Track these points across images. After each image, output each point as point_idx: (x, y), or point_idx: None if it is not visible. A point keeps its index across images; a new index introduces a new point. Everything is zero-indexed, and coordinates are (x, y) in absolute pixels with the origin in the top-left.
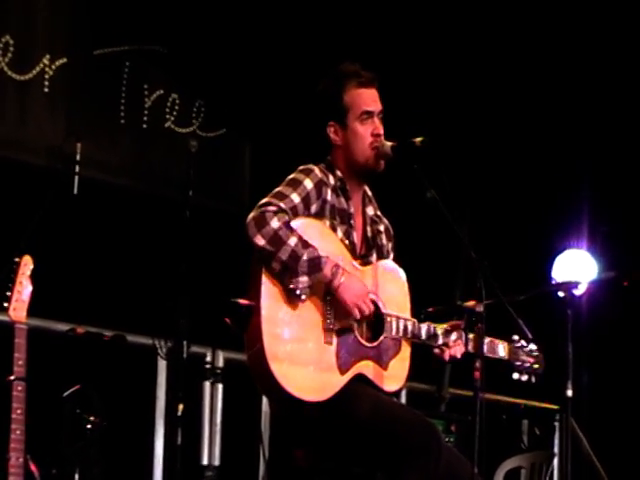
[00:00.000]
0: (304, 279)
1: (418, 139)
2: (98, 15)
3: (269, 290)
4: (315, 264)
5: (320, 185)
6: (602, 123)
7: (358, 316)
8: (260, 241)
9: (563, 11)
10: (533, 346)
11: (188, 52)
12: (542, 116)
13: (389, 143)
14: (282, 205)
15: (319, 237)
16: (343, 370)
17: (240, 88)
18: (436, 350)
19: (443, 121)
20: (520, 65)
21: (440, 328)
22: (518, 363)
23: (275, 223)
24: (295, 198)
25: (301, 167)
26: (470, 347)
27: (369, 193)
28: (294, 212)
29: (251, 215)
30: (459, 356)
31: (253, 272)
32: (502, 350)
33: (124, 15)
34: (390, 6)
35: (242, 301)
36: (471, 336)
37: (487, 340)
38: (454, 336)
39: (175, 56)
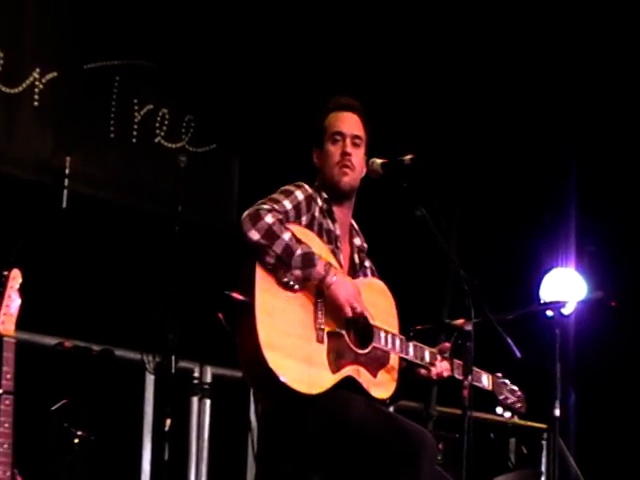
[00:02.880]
0: (297, 273)
1: (407, 157)
2: (88, 30)
3: (263, 284)
4: (308, 259)
5: (310, 200)
6: (589, 142)
7: (350, 314)
8: (255, 236)
9: (548, 6)
10: (515, 387)
11: (178, 67)
12: (529, 133)
13: (379, 160)
14: (276, 207)
15: (310, 244)
16: (334, 369)
17: (230, 104)
18: (422, 370)
19: (431, 140)
20: (506, 77)
21: (427, 348)
22: (501, 397)
23: (269, 219)
24: (287, 204)
25: (293, 183)
26: (456, 373)
27: (356, 226)
28: (286, 217)
29: (246, 212)
30: (446, 375)
31: (246, 267)
32: (485, 380)
33: (114, 30)
34: (371, 24)
35: (236, 295)
36: (457, 362)
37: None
38: (440, 357)
39: (165, 71)
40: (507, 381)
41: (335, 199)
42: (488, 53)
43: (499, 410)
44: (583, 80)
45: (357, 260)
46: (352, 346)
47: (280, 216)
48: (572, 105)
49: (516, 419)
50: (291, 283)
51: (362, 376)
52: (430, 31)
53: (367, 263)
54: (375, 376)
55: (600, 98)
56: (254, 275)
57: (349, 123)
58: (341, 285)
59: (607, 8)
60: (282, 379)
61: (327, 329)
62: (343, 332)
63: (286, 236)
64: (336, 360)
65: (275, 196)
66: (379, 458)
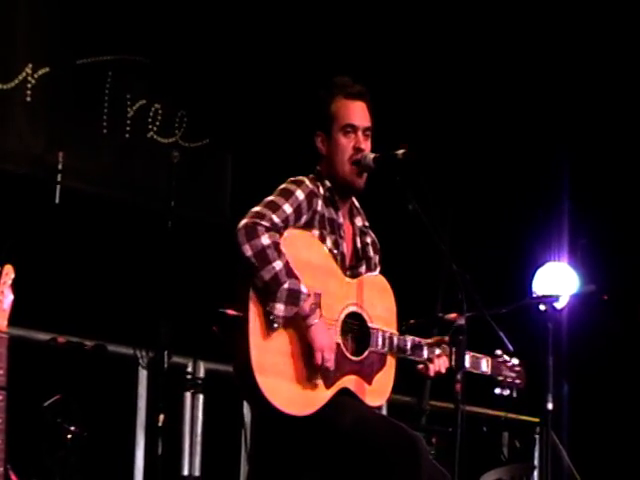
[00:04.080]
0: (280, 307)
1: (400, 151)
2: (81, 25)
3: (256, 302)
4: (294, 296)
5: (311, 196)
6: (581, 137)
7: (319, 362)
8: (247, 252)
9: (541, 7)
10: (515, 360)
11: (171, 62)
12: (522, 129)
13: (372, 155)
14: (275, 219)
15: (308, 249)
16: (328, 385)
17: (223, 99)
18: (420, 366)
19: (424, 134)
20: (499, 74)
21: (425, 342)
22: (500, 378)
23: (265, 240)
24: (287, 209)
25: (292, 178)
26: (454, 363)
27: (357, 204)
28: (286, 223)
29: (243, 222)
30: (443, 371)
31: (240, 282)
32: (485, 365)
33: (107, 25)
34: (365, 20)
35: (230, 311)
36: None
37: (470, 355)
38: (438, 351)
39: (158, 66)
40: (506, 357)
41: (341, 191)
42: (482, 51)
43: (497, 390)
44: (575, 77)
45: (359, 244)
46: (348, 355)
47: (277, 237)
48: (565, 102)
49: (514, 395)
50: (271, 318)
51: (357, 386)
52: (426, 28)
53: (368, 239)
54: (371, 383)
55: (592, 95)
56: (248, 293)
57: (360, 114)
58: (321, 331)
59: (599, 9)
60: (275, 404)
61: None
62: (339, 341)
63: (277, 265)
64: (331, 374)
65: (274, 199)
66: (371, 464)
